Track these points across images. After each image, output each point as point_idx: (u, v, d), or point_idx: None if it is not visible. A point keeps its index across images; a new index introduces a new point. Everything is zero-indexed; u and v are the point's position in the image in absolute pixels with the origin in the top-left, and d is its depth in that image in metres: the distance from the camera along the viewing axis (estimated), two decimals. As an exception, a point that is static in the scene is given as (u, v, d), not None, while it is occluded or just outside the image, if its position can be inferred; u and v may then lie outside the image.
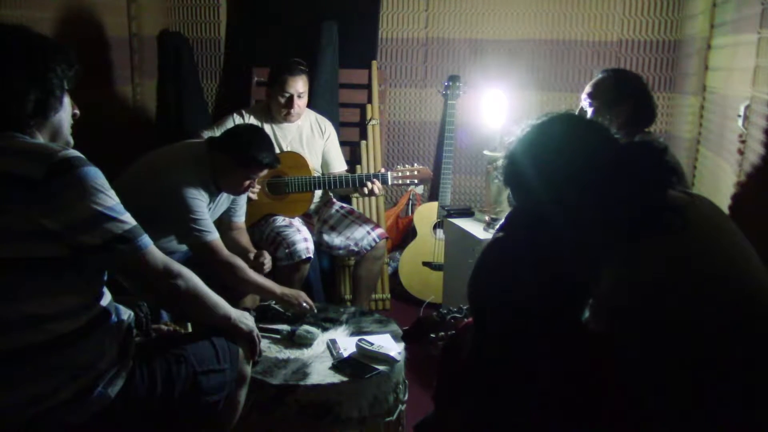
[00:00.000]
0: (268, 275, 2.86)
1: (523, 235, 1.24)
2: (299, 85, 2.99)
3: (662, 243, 1.25)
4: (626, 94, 2.33)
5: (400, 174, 3.00)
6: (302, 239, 2.87)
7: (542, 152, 1.33)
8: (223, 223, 2.75)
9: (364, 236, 3.05)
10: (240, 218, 2.78)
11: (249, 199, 2.94)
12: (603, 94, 2.34)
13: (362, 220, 3.13)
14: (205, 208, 2.38)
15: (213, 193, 2.48)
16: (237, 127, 2.65)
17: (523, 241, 1.23)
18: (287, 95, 2.98)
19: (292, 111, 3.00)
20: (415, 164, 3.07)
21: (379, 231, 3.10)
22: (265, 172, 2.48)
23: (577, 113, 1.71)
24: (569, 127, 1.36)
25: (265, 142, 2.50)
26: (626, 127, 2.29)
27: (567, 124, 1.36)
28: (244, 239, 2.75)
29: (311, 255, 2.87)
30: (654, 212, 1.26)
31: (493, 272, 1.24)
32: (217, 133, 3.00)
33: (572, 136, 1.33)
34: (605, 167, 1.28)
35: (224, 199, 2.64)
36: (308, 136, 3.14)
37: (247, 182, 2.46)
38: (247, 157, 2.39)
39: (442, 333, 1.70)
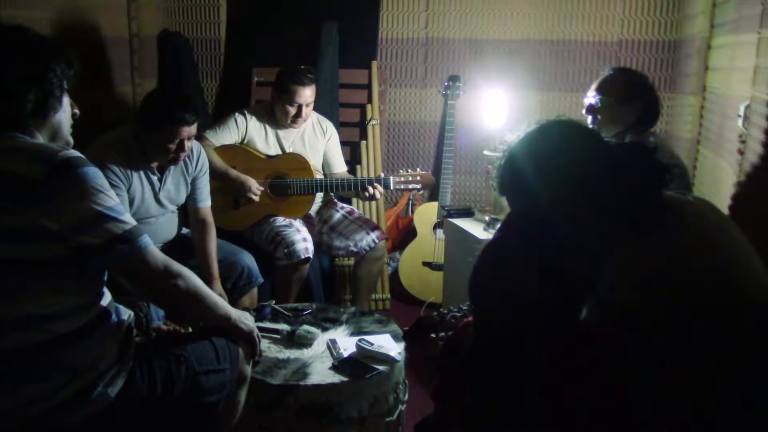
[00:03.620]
0: (267, 276, 2.87)
1: (522, 234, 1.24)
2: (308, 95, 2.98)
3: (660, 241, 1.25)
4: (638, 92, 2.33)
5: (402, 179, 3.00)
6: (301, 239, 2.87)
7: (543, 153, 1.33)
8: (190, 214, 2.73)
9: (363, 237, 3.05)
10: (203, 203, 2.71)
11: (250, 200, 2.95)
12: (616, 91, 2.33)
13: (362, 220, 3.13)
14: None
15: (146, 171, 2.47)
16: (148, 95, 2.58)
17: (522, 240, 1.23)
18: (296, 105, 2.97)
19: (300, 120, 3.01)
20: (418, 169, 3.07)
21: (379, 232, 3.10)
22: (187, 129, 2.40)
23: (578, 116, 1.72)
24: (566, 130, 1.36)
25: (175, 99, 2.46)
26: (635, 125, 2.29)
27: (564, 127, 1.37)
28: (211, 252, 2.64)
29: (310, 255, 2.87)
30: (650, 211, 1.26)
31: (493, 271, 1.24)
32: (219, 133, 3.01)
33: (570, 138, 1.34)
34: (602, 168, 1.28)
35: (179, 183, 2.60)
36: (310, 137, 3.15)
37: (171, 145, 2.40)
38: (160, 119, 2.36)
39: (443, 333, 1.70)
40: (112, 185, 2.31)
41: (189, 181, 2.65)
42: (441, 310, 1.83)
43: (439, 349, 1.37)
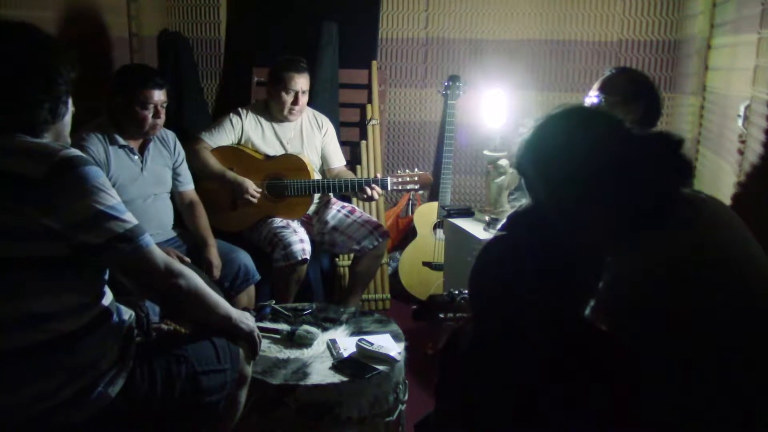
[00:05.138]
0: (266, 276, 2.87)
1: (522, 234, 1.24)
2: (304, 83, 3.00)
3: (673, 238, 1.23)
4: (643, 91, 2.32)
5: (399, 179, 3.00)
6: (298, 240, 2.87)
7: (542, 152, 1.32)
8: (178, 200, 2.79)
9: (366, 236, 3.05)
10: (187, 186, 2.81)
11: (248, 202, 2.95)
12: (619, 90, 2.31)
13: (364, 219, 3.13)
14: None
15: (126, 152, 2.52)
16: (117, 71, 2.66)
17: (522, 239, 1.23)
18: (293, 92, 2.98)
19: (297, 108, 3.01)
20: (416, 169, 3.07)
21: (381, 231, 3.10)
22: (158, 92, 2.49)
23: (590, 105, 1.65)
24: (571, 123, 1.33)
25: (143, 66, 2.67)
26: (638, 124, 2.28)
27: (568, 119, 1.34)
28: (203, 223, 2.75)
29: (307, 257, 2.87)
30: (669, 204, 1.25)
31: (493, 270, 1.24)
32: (215, 134, 3.01)
33: (573, 133, 1.31)
34: (606, 166, 1.26)
35: (161, 165, 2.66)
36: (307, 132, 3.15)
37: (146, 111, 2.47)
38: (131, 86, 2.45)
39: (451, 314, 1.68)
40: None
41: (171, 166, 2.72)
42: (451, 290, 1.80)
43: (441, 346, 1.36)
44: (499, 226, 1.33)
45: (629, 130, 1.32)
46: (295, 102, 2.99)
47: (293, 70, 2.97)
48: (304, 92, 3.01)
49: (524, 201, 1.30)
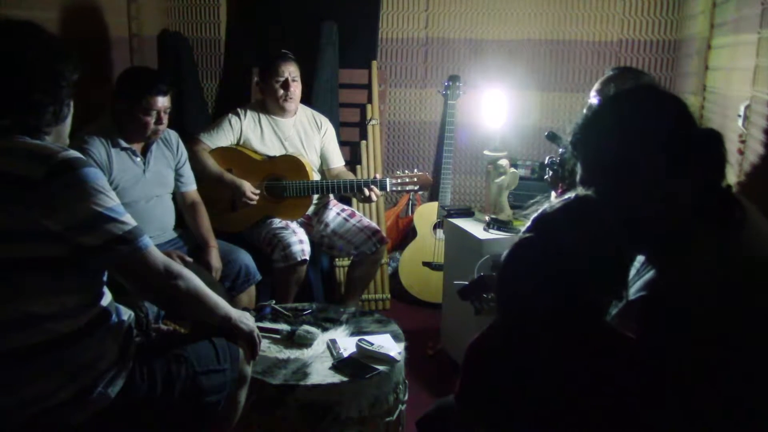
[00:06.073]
0: (266, 276, 2.87)
1: (546, 237, 1.23)
2: (292, 69, 3.01)
3: (748, 237, 1.21)
4: None
5: (399, 180, 3.00)
6: (298, 241, 2.87)
7: (590, 134, 1.31)
8: (180, 201, 2.79)
9: (365, 241, 3.05)
10: (190, 187, 2.80)
11: (247, 204, 2.95)
12: None
13: (363, 224, 3.12)
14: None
15: (128, 153, 2.51)
16: (122, 73, 2.63)
17: (545, 242, 1.22)
18: (282, 79, 2.99)
19: (289, 94, 3.01)
20: (415, 170, 3.07)
21: (380, 236, 3.09)
22: (162, 99, 2.47)
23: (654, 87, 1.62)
24: (626, 110, 1.31)
25: (148, 71, 2.64)
26: None
27: (628, 105, 1.32)
28: (204, 224, 2.74)
29: (307, 257, 2.87)
30: (728, 202, 1.23)
31: (518, 274, 1.23)
32: (214, 135, 3.01)
33: (626, 120, 1.28)
34: (660, 148, 1.24)
35: (164, 167, 2.65)
36: (306, 130, 3.15)
37: (149, 118, 2.46)
38: (136, 92, 2.44)
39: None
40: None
41: (173, 167, 2.72)
42: None
43: (465, 351, 1.35)
44: (524, 228, 1.30)
45: (692, 120, 1.29)
46: (287, 87, 3.00)
47: (278, 59, 3.00)
48: (294, 79, 3.01)
49: (547, 204, 1.28)
